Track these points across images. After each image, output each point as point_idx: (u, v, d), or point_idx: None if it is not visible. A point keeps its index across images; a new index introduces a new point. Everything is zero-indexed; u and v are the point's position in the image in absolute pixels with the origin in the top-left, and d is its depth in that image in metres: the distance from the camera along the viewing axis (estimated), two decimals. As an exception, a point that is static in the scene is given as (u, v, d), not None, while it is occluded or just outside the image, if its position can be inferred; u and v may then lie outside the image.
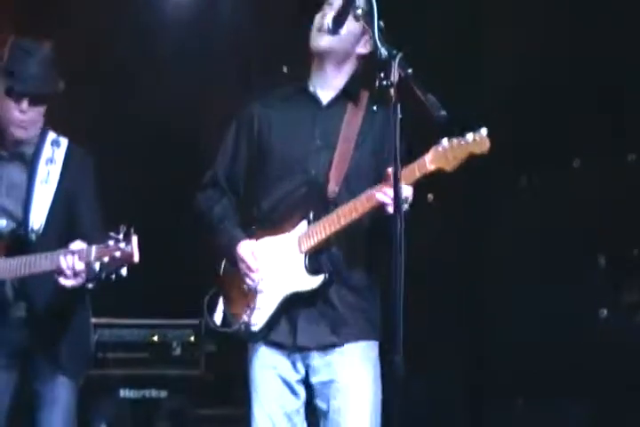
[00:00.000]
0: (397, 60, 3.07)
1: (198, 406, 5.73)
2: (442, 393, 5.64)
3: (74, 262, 3.69)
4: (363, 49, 3.77)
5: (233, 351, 5.45)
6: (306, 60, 3.85)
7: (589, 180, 5.41)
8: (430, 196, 3.62)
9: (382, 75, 3.06)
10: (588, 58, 5.25)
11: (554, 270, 5.40)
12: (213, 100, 6.11)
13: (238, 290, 3.76)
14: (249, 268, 3.70)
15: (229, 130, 3.91)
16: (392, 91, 3.05)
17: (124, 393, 5.77)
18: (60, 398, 3.99)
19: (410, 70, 3.09)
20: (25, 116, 3.95)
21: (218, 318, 3.80)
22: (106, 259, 3.66)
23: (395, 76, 3.06)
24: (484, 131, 3.45)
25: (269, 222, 3.75)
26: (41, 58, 3.94)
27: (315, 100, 3.81)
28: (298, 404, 3.75)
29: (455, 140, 3.46)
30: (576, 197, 5.41)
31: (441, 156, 3.46)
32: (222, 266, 3.84)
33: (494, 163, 5.36)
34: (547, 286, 5.40)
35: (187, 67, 6.16)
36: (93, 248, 3.69)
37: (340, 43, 3.70)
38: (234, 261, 3.76)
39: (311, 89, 3.83)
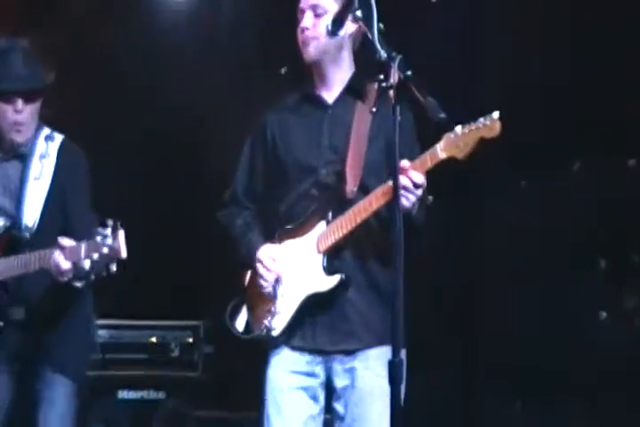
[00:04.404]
0: (397, 63, 3.07)
1: (196, 407, 5.73)
2: (440, 393, 5.64)
3: (59, 262, 3.64)
4: (350, 28, 3.64)
5: (231, 353, 5.48)
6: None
7: (590, 183, 5.41)
8: (430, 198, 3.57)
9: (382, 76, 3.07)
10: (589, 62, 5.26)
11: (554, 272, 5.41)
12: (213, 100, 6.12)
13: (261, 298, 3.71)
14: (265, 267, 3.67)
15: (245, 146, 3.89)
16: (391, 93, 3.05)
17: (123, 394, 5.78)
18: (58, 399, 3.97)
19: (409, 72, 3.08)
20: (21, 117, 3.92)
21: (240, 325, 3.76)
22: (95, 255, 3.55)
23: (394, 79, 3.06)
24: (495, 114, 3.31)
25: (287, 225, 3.72)
26: (23, 54, 3.90)
27: (321, 102, 3.79)
28: (316, 409, 3.68)
29: (467, 126, 3.36)
30: (576, 200, 5.41)
31: (453, 143, 3.36)
32: (248, 276, 3.79)
33: (494, 166, 5.41)
34: (547, 288, 5.41)
35: (186, 67, 6.17)
36: (83, 246, 3.59)
37: (329, 43, 3.65)
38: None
39: (317, 92, 3.80)
